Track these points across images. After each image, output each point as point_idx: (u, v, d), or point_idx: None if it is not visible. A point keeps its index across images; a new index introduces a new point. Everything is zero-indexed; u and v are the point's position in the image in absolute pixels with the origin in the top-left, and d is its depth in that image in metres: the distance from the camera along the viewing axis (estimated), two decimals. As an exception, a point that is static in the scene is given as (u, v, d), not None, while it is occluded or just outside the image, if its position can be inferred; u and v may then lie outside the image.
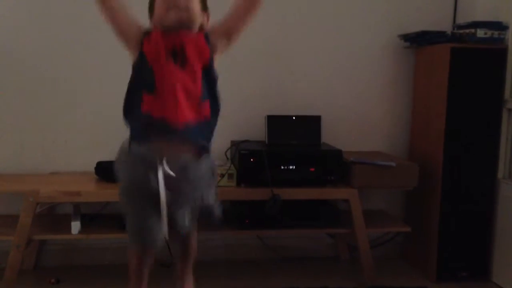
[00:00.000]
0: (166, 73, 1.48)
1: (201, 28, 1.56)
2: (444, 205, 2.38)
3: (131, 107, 1.51)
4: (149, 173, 1.46)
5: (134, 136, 1.51)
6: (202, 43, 1.54)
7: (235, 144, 2.40)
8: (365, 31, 2.64)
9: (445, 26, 2.59)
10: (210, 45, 1.56)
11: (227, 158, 2.48)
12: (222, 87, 2.50)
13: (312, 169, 2.30)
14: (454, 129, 2.34)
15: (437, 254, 2.40)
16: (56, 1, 2.42)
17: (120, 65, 2.44)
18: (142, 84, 1.49)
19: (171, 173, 1.47)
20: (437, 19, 2.63)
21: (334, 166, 2.31)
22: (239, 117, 2.59)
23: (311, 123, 2.49)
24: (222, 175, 2.22)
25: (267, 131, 2.45)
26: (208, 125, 1.57)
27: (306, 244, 2.70)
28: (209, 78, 1.56)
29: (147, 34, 1.52)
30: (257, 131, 2.53)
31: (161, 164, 1.46)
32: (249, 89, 2.59)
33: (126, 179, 1.54)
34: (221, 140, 2.52)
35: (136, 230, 1.54)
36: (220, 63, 2.52)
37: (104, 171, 2.30)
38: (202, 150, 1.57)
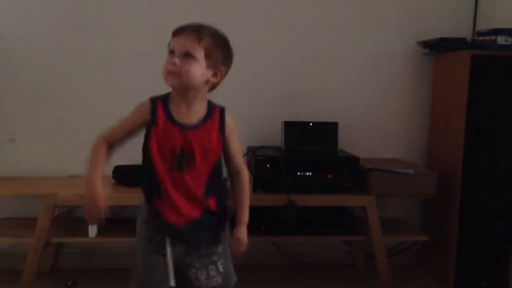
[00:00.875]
0: (171, 184, 1.43)
1: (210, 85, 1.47)
2: (463, 214, 2.35)
3: (146, 190, 1.50)
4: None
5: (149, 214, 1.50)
6: (214, 138, 1.47)
7: (251, 150, 2.40)
8: (384, 37, 2.62)
9: (465, 33, 2.56)
10: (224, 137, 1.49)
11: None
12: (240, 92, 2.54)
13: (329, 176, 2.28)
14: (474, 137, 2.31)
15: (455, 264, 2.37)
16: (75, 4, 2.46)
17: (138, 70, 2.48)
18: (150, 185, 1.46)
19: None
20: (457, 26, 2.61)
21: (351, 173, 2.29)
22: (256, 122, 2.59)
23: (328, 130, 2.48)
24: (238, 181, 2.22)
25: (284, 137, 2.44)
26: (214, 214, 1.51)
27: (322, 251, 2.68)
28: (216, 172, 1.49)
29: (154, 114, 1.43)
30: (274, 137, 2.52)
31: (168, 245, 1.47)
32: (266, 95, 2.59)
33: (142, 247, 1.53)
34: (237, 145, 2.54)
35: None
36: (238, 68, 2.54)
37: (121, 175, 2.31)
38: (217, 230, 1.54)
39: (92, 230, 2.20)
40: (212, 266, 1.51)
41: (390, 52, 2.63)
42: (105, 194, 1.39)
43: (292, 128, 2.45)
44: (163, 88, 1.46)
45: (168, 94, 1.46)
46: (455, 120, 2.38)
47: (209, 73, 1.42)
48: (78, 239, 2.26)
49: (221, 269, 1.52)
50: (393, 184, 2.28)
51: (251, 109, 2.59)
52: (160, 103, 1.44)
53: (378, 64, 2.64)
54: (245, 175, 1.57)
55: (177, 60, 1.37)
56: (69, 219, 2.49)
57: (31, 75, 2.46)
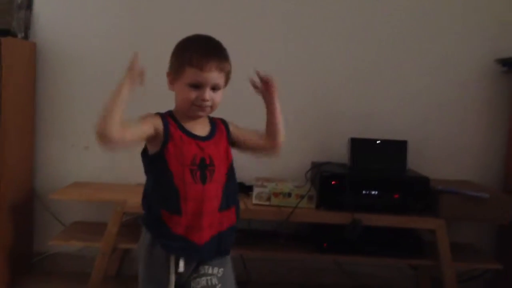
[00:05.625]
0: (192, 196, 1.39)
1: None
2: (543, 243, 2.19)
3: (150, 211, 1.45)
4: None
5: (155, 237, 1.44)
6: (223, 148, 1.47)
7: (316, 166, 2.37)
8: (460, 53, 2.52)
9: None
10: (230, 142, 1.51)
11: (307, 179, 2.45)
12: (306, 107, 2.53)
13: (396, 196, 2.21)
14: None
15: (532, 297, 2.21)
16: (140, 16, 2.55)
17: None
18: (163, 200, 1.40)
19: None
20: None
21: (420, 194, 2.20)
22: (322, 138, 2.56)
23: (397, 148, 2.40)
24: (302, 197, 2.20)
25: (350, 154, 2.39)
26: (232, 231, 1.49)
27: (385, 273, 2.59)
28: (232, 180, 1.48)
29: (167, 130, 1.39)
30: (339, 154, 2.48)
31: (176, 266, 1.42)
32: (333, 110, 2.55)
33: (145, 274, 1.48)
34: (301, 160, 2.52)
35: None
36: (306, 82, 2.54)
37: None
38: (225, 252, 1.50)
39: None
40: None
41: (466, 68, 2.52)
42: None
43: (359, 145, 2.40)
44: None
45: (171, 112, 1.46)
46: (536, 143, 2.23)
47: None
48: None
49: None
50: (466, 208, 2.16)
51: (317, 124, 2.56)
52: (169, 118, 1.42)
53: (452, 81, 2.53)
54: None
55: (210, 96, 1.39)
56: (136, 226, 2.54)
57: (103, 86, 2.56)
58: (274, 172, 2.54)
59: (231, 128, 1.52)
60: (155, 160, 1.41)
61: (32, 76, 2.51)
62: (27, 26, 2.48)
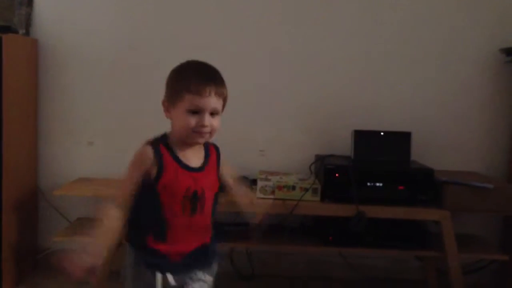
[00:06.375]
0: (179, 226, 1.40)
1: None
2: (549, 233, 2.18)
3: (137, 232, 1.44)
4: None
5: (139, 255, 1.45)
6: (214, 176, 1.48)
7: (320, 158, 2.36)
8: (463, 43, 2.51)
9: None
10: (219, 173, 1.51)
11: (311, 172, 2.45)
12: (309, 99, 2.52)
13: (401, 188, 2.20)
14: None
15: (538, 287, 2.20)
16: (143, 14, 2.54)
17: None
18: (150, 227, 1.41)
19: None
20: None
21: (425, 185, 2.20)
22: (325, 131, 2.55)
23: (401, 140, 2.39)
24: (306, 190, 2.20)
25: (354, 146, 2.38)
26: (210, 246, 1.50)
27: (391, 265, 2.59)
28: (215, 209, 1.49)
29: (160, 160, 1.37)
30: (343, 146, 2.47)
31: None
32: (336, 103, 2.54)
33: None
34: (305, 153, 2.52)
35: None
36: (308, 75, 2.53)
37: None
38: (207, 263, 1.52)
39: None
40: None
41: (469, 58, 2.51)
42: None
43: (362, 137, 2.39)
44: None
45: (166, 137, 1.43)
46: (541, 132, 2.22)
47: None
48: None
49: None
50: (470, 199, 2.16)
51: (320, 117, 2.56)
52: (163, 148, 1.40)
53: (456, 71, 2.52)
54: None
55: (209, 122, 1.37)
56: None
57: (104, 82, 2.56)
58: (278, 166, 2.53)
59: (221, 163, 1.52)
60: (146, 188, 1.38)
61: (34, 73, 2.50)
62: (28, 23, 2.47)
